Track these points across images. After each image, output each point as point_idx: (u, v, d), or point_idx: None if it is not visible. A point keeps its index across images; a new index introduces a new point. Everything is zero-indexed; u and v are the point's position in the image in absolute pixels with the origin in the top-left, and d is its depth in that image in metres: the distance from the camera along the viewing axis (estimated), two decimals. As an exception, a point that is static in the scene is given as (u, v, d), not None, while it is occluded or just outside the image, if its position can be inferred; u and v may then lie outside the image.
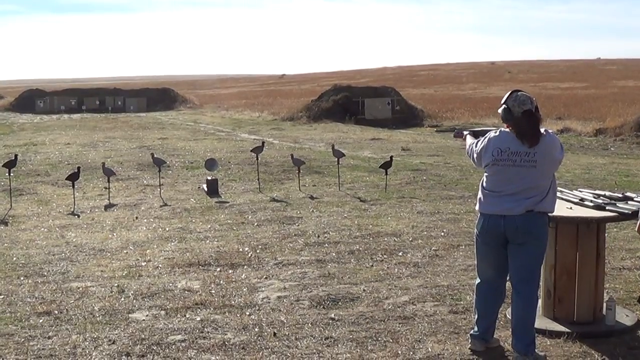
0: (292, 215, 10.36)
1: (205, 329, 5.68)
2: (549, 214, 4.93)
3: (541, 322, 5.49)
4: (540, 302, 5.64)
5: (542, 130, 4.82)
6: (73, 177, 11.76)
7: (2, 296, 6.64)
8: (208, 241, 8.82)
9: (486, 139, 4.98)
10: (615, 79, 55.02)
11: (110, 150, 20.27)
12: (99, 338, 5.51)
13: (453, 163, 16.08)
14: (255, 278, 7.16)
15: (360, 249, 8.25)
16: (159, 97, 50.38)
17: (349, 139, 22.82)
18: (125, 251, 8.43)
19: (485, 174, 4.99)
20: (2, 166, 12.56)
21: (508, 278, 5.05)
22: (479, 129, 5.58)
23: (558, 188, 5.36)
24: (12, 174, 12.68)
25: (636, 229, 5.05)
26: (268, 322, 5.81)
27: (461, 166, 15.25)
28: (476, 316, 5.19)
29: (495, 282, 5.11)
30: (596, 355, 5.03)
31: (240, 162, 16.58)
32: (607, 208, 5.51)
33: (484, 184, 4.99)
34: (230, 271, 7.43)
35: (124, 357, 5.14)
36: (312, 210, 10.68)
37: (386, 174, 12.67)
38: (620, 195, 5.85)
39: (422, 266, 7.50)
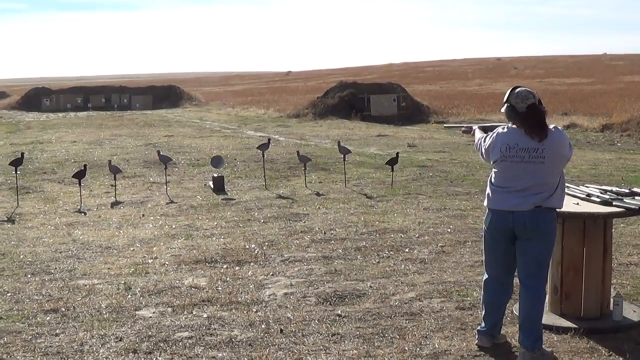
0: (298, 212, 10.36)
1: (212, 326, 5.68)
2: (557, 210, 4.92)
3: (548, 318, 5.48)
4: (547, 298, 5.63)
5: (550, 126, 4.81)
6: (79, 175, 11.78)
7: (9, 294, 6.66)
8: (214, 238, 8.82)
9: (494, 135, 4.97)
10: (621, 74, 54.83)
11: (117, 147, 20.29)
12: (106, 335, 5.52)
13: (459, 159, 16.04)
14: (261, 275, 7.16)
15: (367, 245, 8.25)
16: (164, 94, 50.44)
17: (355, 136, 22.80)
18: (132, 248, 8.44)
19: (494, 170, 4.98)
20: (9, 164, 12.59)
21: (515, 274, 5.05)
22: (489, 124, 5.58)
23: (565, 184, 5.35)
24: (18, 172, 12.71)
25: None
26: (275, 319, 5.82)
27: (467, 162, 15.21)
28: (483, 312, 5.19)
29: (503, 278, 5.10)
30: (603, 351, 5.01)
31: (246, 159, 16.58)
32: (614, 204, 5.49)
33: (492, 180, 4.98)
34: (236, 268, 7.44)
35: (131, 354, 5.15)
36: (318, 207, 10.67)
37: (392, 170, 12.67)
38: (627, 191, 5.83)
39: (428, 262, 7.49)
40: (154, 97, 49.08)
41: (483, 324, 5.17)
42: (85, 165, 12.36)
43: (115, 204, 11.45)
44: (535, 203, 4.77)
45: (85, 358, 5.11)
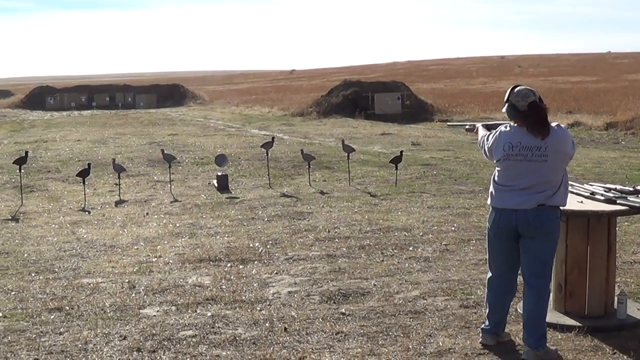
0: (302, 210, 10.36)
1: (216, 324, 5.69)
2: (561, 208, 4.92)
3: (552, 316, 5.47)
4: (551, 296, 5.62)
5: (553, 124, 4.80)
6: (83, 174, 11.80)
7: (13, 292, 6.67)
8: (218, 237, 8.83)
9: (497, 133, 4.96)
10: (626, 72, 54.78)
11: (121, 146, 20.32)
12: (110, 334, 5.53)
13: (463, 157, 16.03)
14: (265, 273, 7.16)
15: (371, 243, 8.25)
16: (168, 93, 50.55)
17: (359, 134, 22.81)
18: (135, 247, 8.45)
19: (497, 168, 4.98)
20: (13, 163, 12.62)
21: (519, 272, 5.05)
22: (492, 122, 5.57)
23: (569, 182, 5.34)
24: (22, 171, 12.74)
25: None
26: (279, 317, 5.82)
27: (471, 161, 15.20)
28: (487, 310, 5.18)
29: (507, 276, 5.10)
30: (607, 349, 5.01)
31: (250, 158, 16.59)
32: (618, 202, 5.48)
33: (496, 178, 4.98)
34: (240, 266, 7.44)
35: (135, 352, 5.16)
36: (323, 206, 10.68)
37: (396, 168, 12.67)
38: (631, 189, 5.82)
39: (432, 261, 7.48)
40: (158, 95, 49.19)
41: (487, 322, 5.16)
42: (89, 164, 12.38)
43: (119, 203, 11.46)
44: (538, 201, 4.76)
45: (90, 357, 5.11)
